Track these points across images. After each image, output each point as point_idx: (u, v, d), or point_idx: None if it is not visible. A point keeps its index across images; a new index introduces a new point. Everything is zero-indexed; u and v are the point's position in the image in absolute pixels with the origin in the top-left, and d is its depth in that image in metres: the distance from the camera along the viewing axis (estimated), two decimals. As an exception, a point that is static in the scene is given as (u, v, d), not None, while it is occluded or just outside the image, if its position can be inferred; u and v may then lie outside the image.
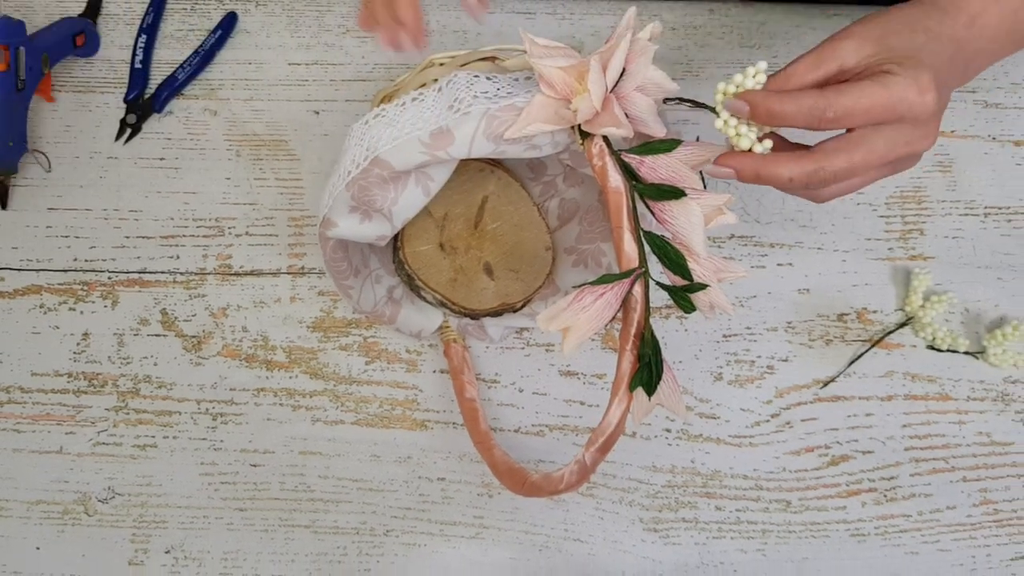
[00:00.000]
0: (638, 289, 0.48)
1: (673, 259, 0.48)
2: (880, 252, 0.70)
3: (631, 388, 0.48)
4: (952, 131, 0.74)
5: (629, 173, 0.49)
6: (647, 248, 0.49)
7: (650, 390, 0.48)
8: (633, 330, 0.48)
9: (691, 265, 0.49)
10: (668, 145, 0.49)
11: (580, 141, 0.50)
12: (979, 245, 0.71)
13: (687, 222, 0.48)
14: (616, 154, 0.49)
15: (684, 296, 0.49)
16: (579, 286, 0.48)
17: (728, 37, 0.77)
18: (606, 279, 0.48)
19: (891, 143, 0.45)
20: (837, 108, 0.44)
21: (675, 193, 0.48)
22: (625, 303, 0.49)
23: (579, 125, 0.50)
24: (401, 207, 0.55)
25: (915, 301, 0.68)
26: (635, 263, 0.48)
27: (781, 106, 0.45)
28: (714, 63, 0.76)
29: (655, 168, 0.49)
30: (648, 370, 0.48)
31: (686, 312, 0.49)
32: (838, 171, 0.45)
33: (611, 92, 0.49)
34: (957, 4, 0.48)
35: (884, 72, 0.44)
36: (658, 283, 0.50)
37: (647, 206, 0.49)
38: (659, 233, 0.50)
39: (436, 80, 0.55)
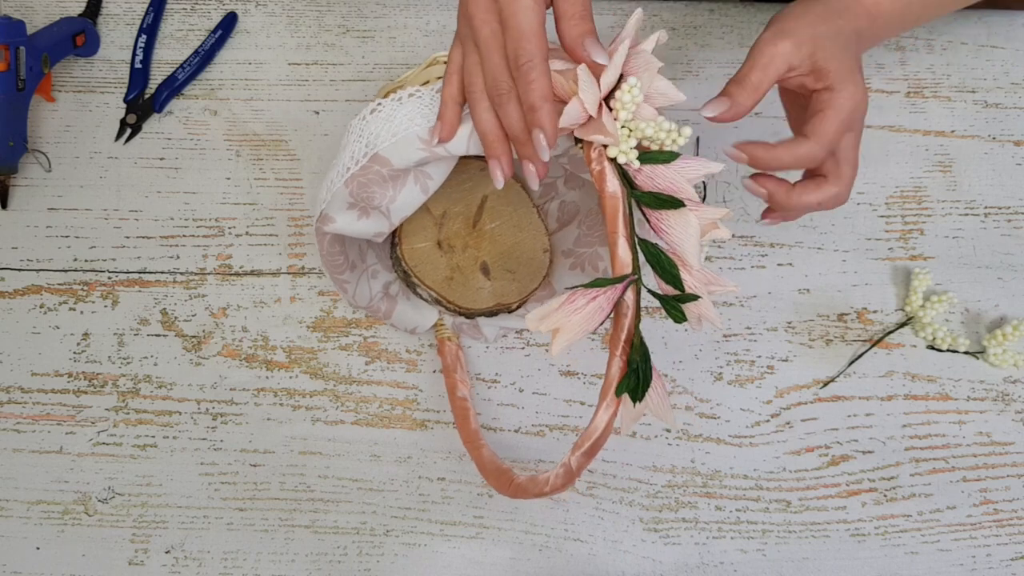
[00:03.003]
0: (630, 295, 0.48)
1: (666, 268, 0.48)
2: (880, 252, 0.70)
3: (617, 393, 0.48)
4: (952, 131, 0.74)
5: (626, 180, 0.49)
6: (641, 256, 0.49)
7: (636, 396, 0.48)
8: (623, 336, 0.48)
9: (683, 276, 0.49)
10: (667, 156, 0.49)
11: (578, 145, 0.50)
12: (979, 245, 0.71)
13: (683, 233, 0.48)
14: (614, 160, 0.49)
15: (676, 306, 0.49)
16: (572, 288, 0.48)
17: (728, 37, 0.77)
18: (599, 283, 0.48)
19: (857, 138, 0.51)
20: (826, 143, 0.50)
21: (673, 203, 0.48)
22: (617, 308, 0.49)
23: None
24: (399, 205, 0.55)
25: (915, 301, 0.68)
26: (629, 269, 0.48)
27: (779, 160, 0.51)
28: (714, 63, 0.76)
29: (652, 177, 0.49)
30: (636, 376, 0.48)
31: (676, 322, 0.49)
32: (849, 185, 0.51)
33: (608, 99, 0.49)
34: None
35: (827, 90, 0.50)
36: (650, 291, 0.50)
37: (643, 214, 0.49)
38: (652, 241, 0.50)
39: (440, 79, 0.55)
